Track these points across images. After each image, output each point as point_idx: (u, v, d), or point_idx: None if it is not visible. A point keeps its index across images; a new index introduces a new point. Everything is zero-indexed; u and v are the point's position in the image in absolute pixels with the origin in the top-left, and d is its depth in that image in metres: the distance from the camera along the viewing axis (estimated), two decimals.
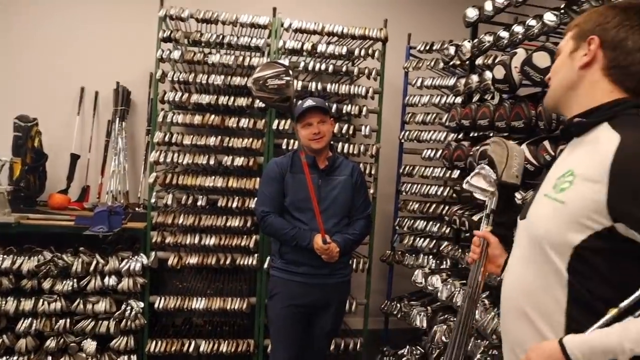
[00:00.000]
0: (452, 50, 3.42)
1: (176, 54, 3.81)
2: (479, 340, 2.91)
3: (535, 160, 2.50)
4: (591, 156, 1.18)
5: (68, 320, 3.58)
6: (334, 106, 3.94)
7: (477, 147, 2.94)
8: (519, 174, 1.64)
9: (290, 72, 2.67)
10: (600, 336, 1.09)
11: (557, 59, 1.37)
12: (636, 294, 1.09)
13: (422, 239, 4.21)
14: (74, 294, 3.59)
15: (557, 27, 2.49)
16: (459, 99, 3.41)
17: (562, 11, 2.45)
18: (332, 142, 2.98)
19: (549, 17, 2.51)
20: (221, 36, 3.85)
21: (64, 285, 3.54)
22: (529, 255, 1.30)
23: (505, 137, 2.85)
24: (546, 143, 2.46)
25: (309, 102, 2.75)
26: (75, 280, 3.57)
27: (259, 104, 3.89)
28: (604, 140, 1.17)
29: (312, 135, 2.73)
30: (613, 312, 1.10)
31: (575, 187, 1.18)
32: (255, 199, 3.67)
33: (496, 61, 2.87)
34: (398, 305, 4.24)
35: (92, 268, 3.59)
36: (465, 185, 1.68)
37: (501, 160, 1.63)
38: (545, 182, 1.34)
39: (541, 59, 2.39)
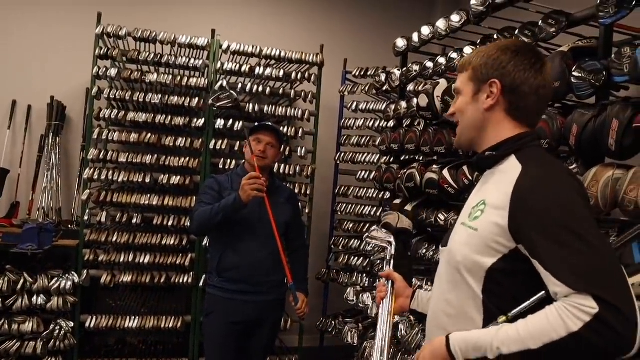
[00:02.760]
0: (383, 77, 3.59)
1: (113, 72, 3.81)
2: (406, 356, 3.03)
3: (455, 184, 2.67)
4: (499, 186, 1.31)
5: None
6: None
7: (405, 171, 3.10)
8: (409, 226, 1.95)
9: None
10: (477, 334, 1.22)
11: (459, 98, 1.45)
12: (523, 305, 1.23)
13: (357, 258, 4.32)
14: None
15: None
16: (390, 123, 3.56)
17: (479, 46, 2.64)
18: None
19: (468, 51, 2.70)
20: (159, 55, 3.89)
21: None
22: (450, 280, 1.40)
23: (430, 161, 3.03)
24: (465, 168, 2.63)
25: (268, 123, 2.90)
26: (0, 299, 3.47)
27: (196, 123, 3.94)
28: (510, 171, 1.30)
29: (258, 152, 2.79)
30: (502, 319, 1.23)
31: (485, 214, 1.30)
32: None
33: (420, 90, 3.04)
34: (333, 322, 4.33)
35: (19, 287, 3.50)
36: (366, 239, 1.89)
37: (394, 219, 1.96)
38: (463, 211, 1.44)
39: None
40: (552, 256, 1.16)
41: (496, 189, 1.31)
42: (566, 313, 1.10)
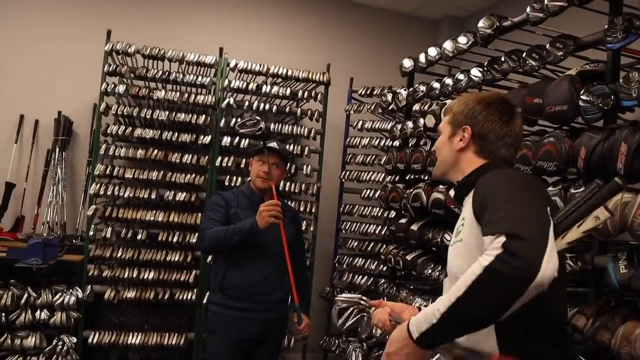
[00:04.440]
0: (389, 96, 3.61)
1: (121, 88, 3.84)
2: None
3: None
4: (470, 200, 1.47)
5: None
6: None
7: (411, 190, 3.10)
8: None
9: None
10: (425, 309, 1.30)
11: (439, 138, 1.67)
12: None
13: (361, 276, 4.31)
14: (2, 329, 3.48)
15: (481, 82, 2.70)
16: (396, 143, 3.58)
17: (485, 68, 2.67)
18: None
19: (475, 73, 2.73)
20: (167, 73, 3.92)
21: None
22: None
23: (436, 181, 3.03)
24: None
25: (272, 144, 2.86)
26: (3, 314, 3.47)
27: (203, 140, 3.96)
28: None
29: (262, 173, 2.80)
30: None
31: (464, 228, 1.46)
32: (196, 234, 3.74)
33: (428, 110, 3.06)
34: (337, 341, 4.30)
35: (22, 301, 3.49)
36: (336, 301, 1.86)
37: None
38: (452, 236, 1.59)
39: None
40: (487, 221, 1.28)
41: (468, 203, 1.47)
42: (483, 256, 1.18)
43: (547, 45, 2.30)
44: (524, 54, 2.45)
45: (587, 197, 1.37)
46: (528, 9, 2.33)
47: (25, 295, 3.51)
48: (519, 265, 1.12)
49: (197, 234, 3.81)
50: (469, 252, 1.39)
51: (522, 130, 1.63)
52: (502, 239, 1.16)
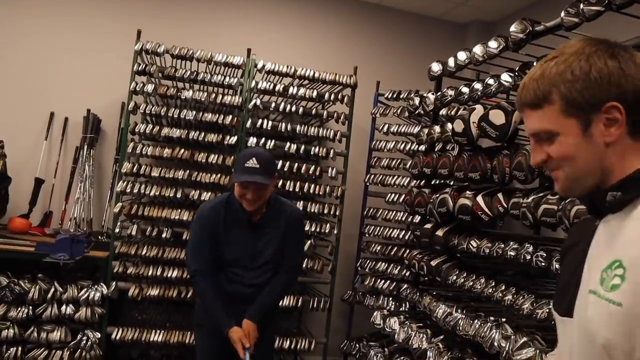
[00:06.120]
0: (417, 100, 3.58)
1: (150, 87, 3.88)
2: None
3: (489, 210, 2.63)
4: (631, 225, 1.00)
5: (20, 348, 3.52)
6: (302, 147, 4.07)
7: (437, 195, 3.07)
8: None
9: None
10: None
11: (563, 140, 1.08)
12: None
13: (383, 281, 4.29)
14: (29, 322, 3.54)
15: (512, 87, 2.66)
16: (422, 147, 3.54)
17: (516, 73, 2.62)
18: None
19: (505, 78, 2.68)
20: (195, 73, 3.95)
21: (18, 312, 3.50)
22: None
23: (463, 187, 2.99)
24: (500, 195, 2.59)
25: (250, 165, 2.55)
26: (30, 307, 3.53)
27: (229, 140, 3.98)
28: None
29: (246, 198, 2.60)
30: None
31: (628, 283, 0.95)
32: None
33: (456, 115, 3.02)
34: (357, 345, 4.28)
35: (49, 296, 3.55)
36: None
37: None
38: (587, 273, 1.09)
39: (497, 117, 2.55)
40: None
41: (637, 246, 0.97)
42: None
43: None
44: None
45: None
46: (562, 14, 2.27)
47: (52, 290, 3.57)
48: None
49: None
50: (628, 328, 0.94)
51: None
52: None
